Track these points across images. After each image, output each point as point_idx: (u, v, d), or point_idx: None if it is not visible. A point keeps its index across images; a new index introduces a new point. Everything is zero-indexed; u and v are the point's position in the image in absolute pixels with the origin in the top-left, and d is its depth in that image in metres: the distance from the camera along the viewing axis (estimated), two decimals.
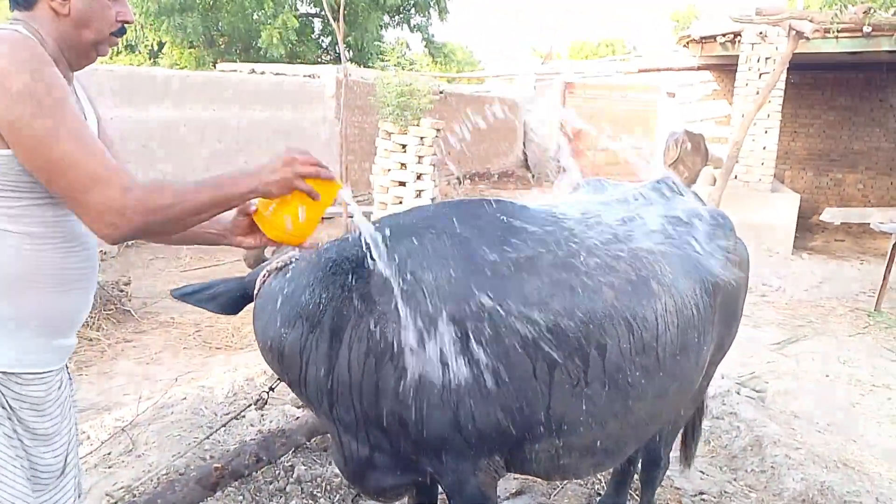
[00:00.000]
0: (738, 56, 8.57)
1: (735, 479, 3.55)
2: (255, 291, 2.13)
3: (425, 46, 17.47)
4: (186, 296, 2.17)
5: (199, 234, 1.77)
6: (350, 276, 1.98)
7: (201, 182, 1.48)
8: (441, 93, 13.56)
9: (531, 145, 19.70)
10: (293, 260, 2.12)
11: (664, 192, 2.76)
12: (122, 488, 2.56)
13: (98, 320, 5.51)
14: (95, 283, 1.67)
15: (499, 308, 1.92)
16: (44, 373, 1.54)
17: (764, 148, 8.61)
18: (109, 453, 3.00)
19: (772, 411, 4.19)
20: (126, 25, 1.64)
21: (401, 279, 1.92)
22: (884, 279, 6.69)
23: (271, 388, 2.27)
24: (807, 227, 10.66)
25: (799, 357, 5.52)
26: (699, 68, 12.31)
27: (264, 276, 2.13)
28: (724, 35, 8.62)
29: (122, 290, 6.06)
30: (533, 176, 19.13)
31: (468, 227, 2.05)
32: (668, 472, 3.42)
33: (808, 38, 5.47)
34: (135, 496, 2.56)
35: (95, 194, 1.35)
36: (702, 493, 3.33)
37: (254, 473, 2.88)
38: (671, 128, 14.41)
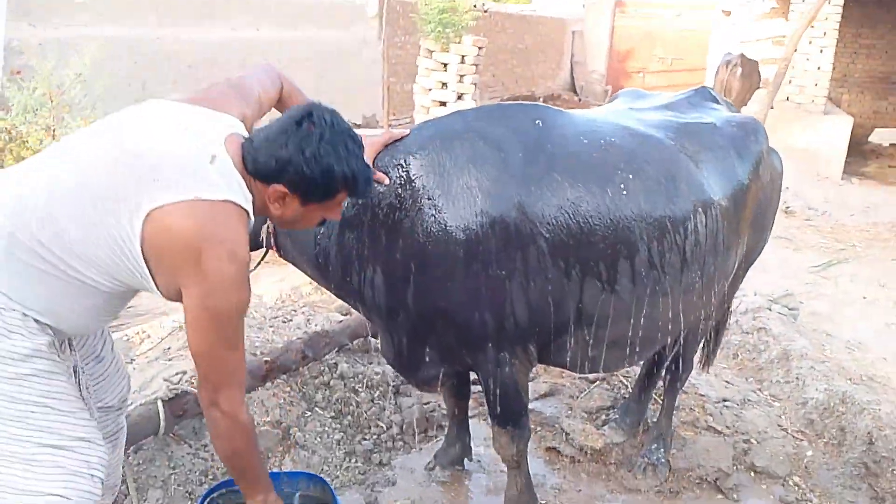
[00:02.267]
0: None
1: (760, 389, 3.67)
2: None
3: None
4: None
5: None
6: (398, 182, 2.07)
7: (261, 464, 1.81)
8: (485, 10, 13.27)
9: (578, 67, 19.20)
10: None
11: (700, 101, 2.78)
12: (178, 373, 2.81)
13: None
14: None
15: (533, 209, 2.03)
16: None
17: (818, 68, 8.30)
18: (169, 348, 3.27)
19: (803, 328, 4.25)
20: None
21: (444, 182, 2.04)
22: None
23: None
24: (861, 153, 10.32)
25: (838, 280, 5.52)
26: None
27: None
28: None
29: None
30: (580, 99, 18.73)
31: (505, 131, 2.13)
32: (692, 381, 3.57)
33: None
34: (191, 382, 2.80)
35: (224, 394, 1.61)
36: (725, 401, 3.46)
37: (300, 369, 3.11)
38: (725, 49, 13.86)
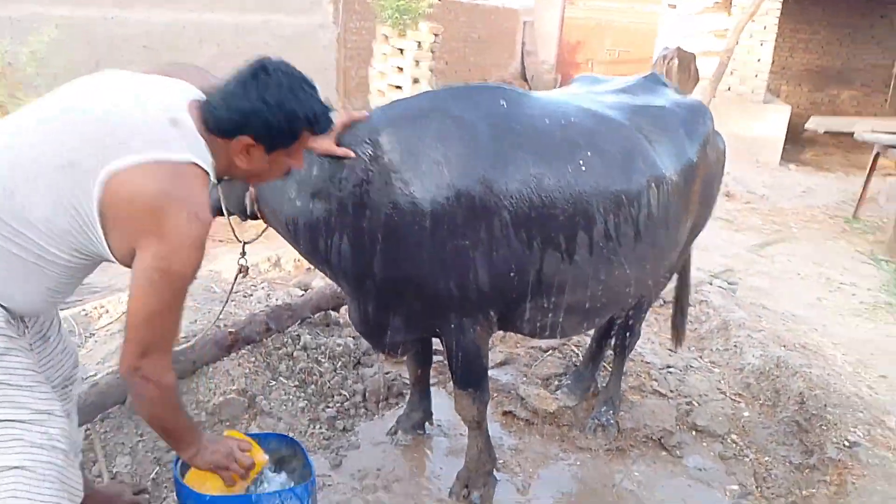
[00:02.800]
0: None
1: (701, 357, 3.90)
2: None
3: None
4: None
5: None
6: (368, 156, 2.15)
7: (186, 420, 1.82)
8: None
9: (529, 57, 19.44)
10: None
11: (651, 85, 2.94)
12: None
13: None
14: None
15: (497, 184, 2.14)
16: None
17: (759, 60, 8.66)
18: None
19: (742, 301, 4.50)
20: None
21: (412, 157, 2.14)
22: (863, 188, 6.93)
23: (242, 253, 2.40)
24: (798, 141, 10.78)
25: (775, 258, 5.82)
26: None
27: None
28: None
29: None
30: (530, 88, 18.99)
31: (471, 110, 2.23)
32: (639, 349, 3.77)
33: None
34: None
35: (151, 358, 1.60)
36: (669, 367, 3.67)
37: (264, 340, 3.18)
38: (670, 41, 14.25)
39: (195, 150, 1.60)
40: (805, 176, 8.77)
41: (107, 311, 3.59)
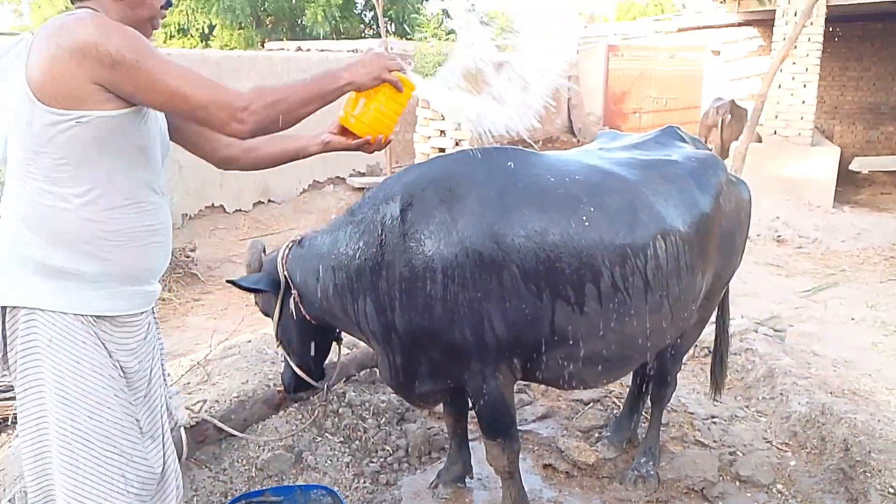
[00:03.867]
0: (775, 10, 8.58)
1: (747, 406, 3.86)
2: (283, 263, 2.60)
3: (469, 13, 17.58)
4: (237, 283, 2.67)
5: (287, 151, 2.08)
6: (380, 225, 2.38)
7: (302, 81, 1.73)
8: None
9: (575, 110, 19.69)
10: (300, 237, 2.67)
11: (667, 139, 3.06)
12: (198, 402, 3.04)
13: (169, 282, 6.10)
14: (170, 236, 1.94)
15: (504, 239, 2.29)
16: (135, 315, 1.84)
17: (803, 102, 8.62)
18: (188, 383, 3.50)
19: (790, 348, 4.44)
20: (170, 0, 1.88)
21: (424, 218, 2.31)
22: None
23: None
24: (853, 181, 10.56)
25: (827, 303, 5.71)
26: (741, 24, 12.19)
27: (287, 249, 2.63)
28: None
29: (188, 256, 6.64)
30: (578, 140, 19.17)
31: (479, 171, 2.41)
32: (682, 399, 3.77)
33: None
34: (211, 413, 3.03)
35: (220, 100, 1.62)
36: (713, 417, 3.65)
37: (311, 398, 3.34)
38: (716, 89, 14.30)
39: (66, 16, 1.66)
40: (860, 217, 8.57)
41: (169, 375, 3.81)
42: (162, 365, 2.11)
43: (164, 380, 2.14)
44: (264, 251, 2.84)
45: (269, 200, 9.28)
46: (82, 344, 1.71)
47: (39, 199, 1.66)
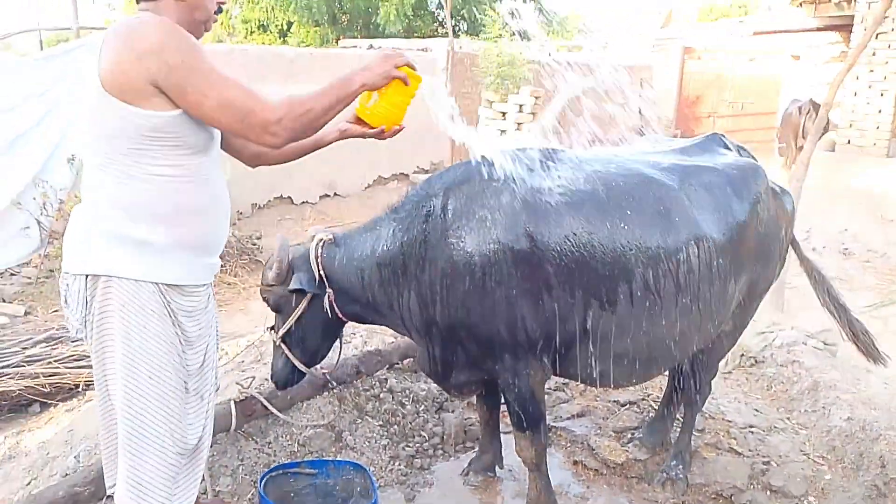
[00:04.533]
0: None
1: (789, 418, 3.82)
2: (318, 263, 2.61)
3: (539, 15, 17.60)
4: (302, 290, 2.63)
5: (306, 143, 2.25)
6: (423, 222, 2.51)
7: (322, 89, 1.92)
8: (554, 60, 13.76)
9: (647, 111, 19.37)
10: (331, 236, 2.68)
11: (710, 146, 3.09)
12: (248, 378, 3.26)
13: (235, 268, 6.43)
14: (229, 211, 2.17)
15: (544, 239, 2.39)
16: (198, 286, 2.08)
17: (879, 111, 8.29)
18: (243, 361, 3.74)
19: (840, 363, 4.34)
20: (222, 6, 2.08)
21: (464, 216, 2.44)
22: None
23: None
24: None
25: (888, 319, 5.54)
26: (819, 29, 11.77)
27: (320, 248, 2.62)
28: None
29: (254, 244, 6.97)
30: None
31: (518, 171, 2.49)
32: (722, 407, 3.77)
33: None
34: (259, 391, 3.25)
35: (256, 116, 1.81)
36: (751, 427, 3.64)
37: (354, 382, 3.52)
38: (796, 95, 13.85)
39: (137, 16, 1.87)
40: None
41: (226, 353, 4.08)
42: (217, 339, 2.32)
43: (217, 353, 2.35)
44: None
45: (335, 194, 9.58)
46: (150, 311, 1.93)
47: (118, 179, 1.88)
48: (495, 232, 2.38)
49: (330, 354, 3.60)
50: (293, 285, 2.58)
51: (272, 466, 2.61)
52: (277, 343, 2.71)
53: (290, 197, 9.02)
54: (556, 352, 2.54)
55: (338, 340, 2.89)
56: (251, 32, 15.42)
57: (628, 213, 2.47)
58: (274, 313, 2.76)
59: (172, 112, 1.84)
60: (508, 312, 2.41)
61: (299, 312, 2.63)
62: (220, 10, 2.06)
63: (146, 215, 1.91)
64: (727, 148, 3.12)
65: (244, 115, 1.82)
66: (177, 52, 1.77)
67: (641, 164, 2.71)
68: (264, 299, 2.72)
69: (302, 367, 2.73)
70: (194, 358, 2.11)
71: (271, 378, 2.83)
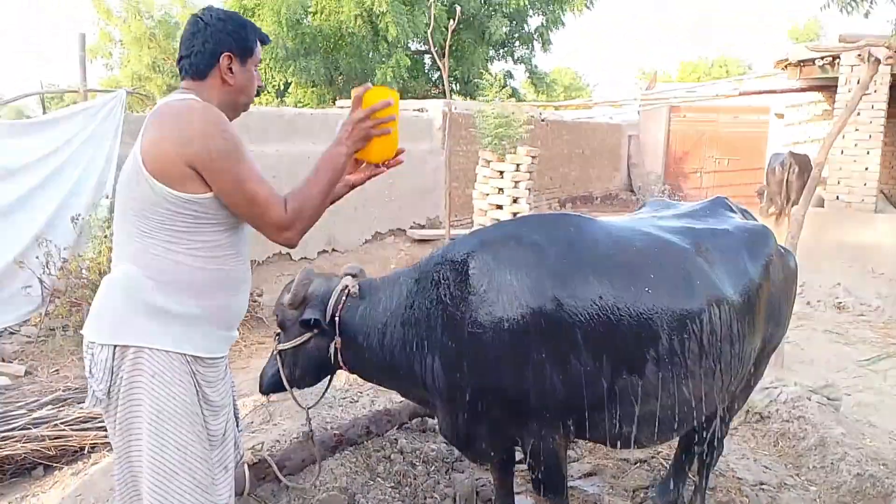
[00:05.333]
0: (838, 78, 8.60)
1: (798, 474, 3.82)
2: (338, 311, 2.60)
3: (528, 77, 18.07)
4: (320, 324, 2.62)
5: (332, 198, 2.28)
6: (451, 282, 2.50)
7: (311, 176, 2.02)
8: (543, 120, 14.11)
9: (635, 168, 19.78)
10: (356, 286, 2.69)
11: (716, 209, 3.18)
12: (260, 443, 3.25)
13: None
14: (251, 285, 2.25)
15: (566, 303, 2.41)
16: (218, 357, 2.12)
17: (866, 168, 8.54)
18: (252, 422, 3.72)
19: (844, 418, 4.38)
20: (261, 88, 2.24)
21: (490, 280, 2.46)
22: None
23: (308, 419, 2.86)
24: None
25: (887, 373, 5.59)
26: (803, 90, 12.18)
27: (341, 301, 2.62)
28: (821, 58, 8.67)
29: (255, 301, 6.97)
30: (637, 199, 19.21)
31: (542, 236, 2.54)
32: (731, 464, 3.78)
33: (884, 62, 5.63)
34: (272, 454, 3.23)
35: (271, 216, 1.94)
36: (762, 484, 3.64)
37: (365, 443, 3.50)
38: (778, 149, 14.23)
39: (183, 98, 1.98)
40: None
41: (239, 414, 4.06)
42: (234, 405, 2.34)
43: (237, 418, 2.36)
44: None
45: (334, 250, 9.65)
46: (178, 382, 1.96)
47: (152, 251, 1.94)
48: (521, 297, 2.39)
49: (342, 416, 3.62)
50: (303, 316, 2.59)
51: None
52: (275, 353, 2.71)
53: (289, 253, 9.08)
54: (581, 415, 2.53)
55: (328, 377, 2.85)
56: None
57: (652, 277, 2.50)
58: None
59: (207, 194, 1.92)
60: (536, 378, 2.40)
61: (300, 342, 2.63)
62: (259, 93, 2.18)
63: (178, 288, 1.96)
64: (732, 211, 3.21)
65: (263, 213, 1.94)
66: (219, 141, 1.87)
67: (660, 230, 2.77)
68: (274, 313, 2.76)
69: (287, 386, 2.70)
70: (217, 427, 2.13)
71: (259, 378, 2.82)
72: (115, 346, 1.95)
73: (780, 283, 2.98)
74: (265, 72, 14.50)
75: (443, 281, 2.52)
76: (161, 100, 2.04)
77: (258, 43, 2.13)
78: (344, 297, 2.64)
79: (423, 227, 11.47)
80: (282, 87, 15.24)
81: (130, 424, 1.98)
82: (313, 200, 2.00)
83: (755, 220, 3.32)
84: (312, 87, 14.46)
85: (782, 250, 3.13)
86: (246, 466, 3.01)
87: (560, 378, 2.42)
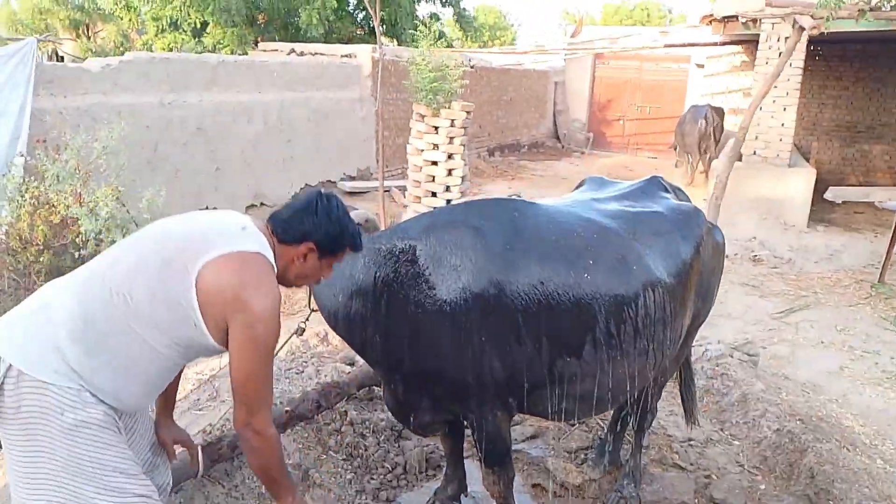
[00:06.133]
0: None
1: (722, 430, 4.12)
2: None
3: (457, 20, 17.75)
4: None
5: None
6: (397, 262, 2.55)
7: (286, 472, 2.17)
8: (472, 66, 13.96)
9: (561, 116, 19.98)
10: None
11: (652, 190, 3.29)
12: (209, 424, 3.22)
13: None
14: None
15: (508, 287, 2.49)
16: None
17: (782, 124, 8.94)
18: (198, 399, 3.68)
19: (762, 372, 4.71)
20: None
21: (435, 263, 2.51)
22: (887, 252, 7.08)
23: (306, 319, 2.82)
24: (828, 200, 10.94)
25: (798, 325, 6.01)
26: (724, 43, 12.53)
27: None
28: (744, 16, 8.92)
29: None
30: (563, 146, 19.48)
31: (486, 221, 2.60)
32: (662, 422, 4.02)
33: (808, 31, 5.86)
34: (222, 433, 3.21)
35: (257, 416, 1.97)
36: (690, 440, 3.90)
37: (315, 417, 3.53)
38: (698, 100, 14.67)
39: (262, 247, 2.02)
40: (833, 238, 8.92)
41: (185, 397, 3.98)
42: None
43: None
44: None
45: (262, 203, 9.41)
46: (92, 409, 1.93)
47: (125, 338, 1.93)
48: (464, 281, 2.45)
49: (290, 389, 3.61)
50: None
51: None
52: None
53: (216, 207, 8.80)
54: (521, 394, 2.64)
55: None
56: (161, 31, 14.81)
57: (591, 262, 2.60)
58: None
59: (215, 341, 1.96)
60: (475, 359, 2.49)
61: None
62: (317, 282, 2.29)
63: (117, 371, 1.95)
64: (666, 191, 3.33)
65: (248, 404, 1.97)
66: (263, 329, 1.91)
67: (598, 214, 2.86)
68: None
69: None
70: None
71: None
72: (11, 367, 1.88)
73: (710, 260, 3.14)
74: (180, 8, 13.66)
75: (389, 261, 2.55)
76: (247, 232, 2.03)
77: (346, 249, 2.17)
78: None
79: (353, 178, 11.31)
80: (199, 26, 14.41)
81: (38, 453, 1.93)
82: (272, 462, 2.10)
83: (688, 199, 3.46)
84: (232, 27, 13.73)
85: (710, 226, 3.28)
86: (200, 449, 2.99)
87: (501, 360, 2.51)
